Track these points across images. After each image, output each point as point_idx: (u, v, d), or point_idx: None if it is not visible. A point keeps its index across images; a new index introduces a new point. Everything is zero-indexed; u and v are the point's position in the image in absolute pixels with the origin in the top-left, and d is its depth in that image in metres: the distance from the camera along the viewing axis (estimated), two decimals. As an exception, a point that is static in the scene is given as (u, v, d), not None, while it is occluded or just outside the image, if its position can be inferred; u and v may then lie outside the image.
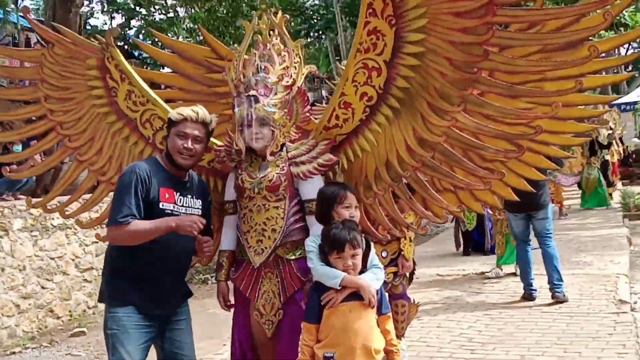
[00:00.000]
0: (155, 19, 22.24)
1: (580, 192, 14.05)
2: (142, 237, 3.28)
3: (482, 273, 8.02)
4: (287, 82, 3.55)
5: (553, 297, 6.39)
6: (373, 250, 3.27)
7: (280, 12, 3.71)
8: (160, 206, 3.38)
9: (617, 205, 13.67)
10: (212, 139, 3.71)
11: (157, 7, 21.07)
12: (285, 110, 3.53)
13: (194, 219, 3.32)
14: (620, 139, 20.17)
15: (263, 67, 3.51)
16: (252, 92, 3.46)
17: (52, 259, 7.81)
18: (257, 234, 3.48)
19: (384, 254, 4.54)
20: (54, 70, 4.08)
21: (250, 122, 3.44)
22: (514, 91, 3.36)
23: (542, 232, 6.56)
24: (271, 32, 3.64)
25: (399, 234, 3.90)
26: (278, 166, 3.50)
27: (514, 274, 7.46)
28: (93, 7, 24.14)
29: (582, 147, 13.57)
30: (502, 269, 7.77)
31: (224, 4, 15.92)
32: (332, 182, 3.50)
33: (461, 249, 9.59)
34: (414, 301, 4.84)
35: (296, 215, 3.51)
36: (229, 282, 3.64)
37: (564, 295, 6.36)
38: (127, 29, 22.93)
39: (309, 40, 23.44)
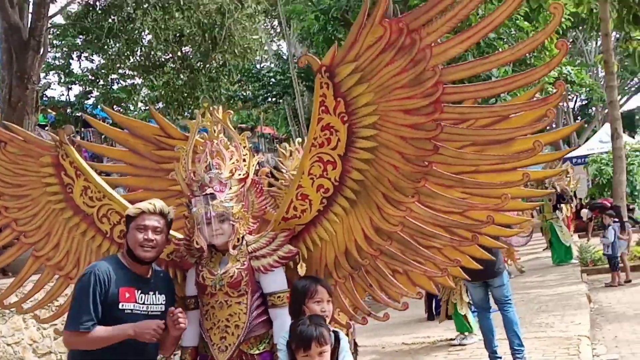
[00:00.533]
0: (113, 88, 22.32)
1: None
2: (100, 344, 3.27)
3: (448, 340, 8.05)
4: (240, 175, 3.63)
5: None
6: (344, 343, 3.29)
7: (221, 109, 3.78)
8: (120, 306, 3.38)
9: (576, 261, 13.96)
10: (171, 232, 3.74)
11: (114, 77, 21.17)
12: (242, 202, 3.60)
13: (152, 326, 3.33)
14: (574, 192, 20.74)
15: (214, 164, 3.58)
16: (209, 190, 3.51)
17: (9, 345, 7.59)
18: (220, 330, 3.49)
19: None
20: (7, 168, 4.10)
21: (209, 219, 3.48)
22: (464, 183, 3.48)
23: (500, 298, 6.61)
24: (215, 128, 3.70)
25: (361, 321, 3.94)
26: (239, 261, 3.54)
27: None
28: (50, 79, 24.12)
29: (541, 206, 13.96)
30: (465, 335, 7.82)
31: (181, 75, 16.09)
32: (306, 276, 3.53)
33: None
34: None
35: (259, 309, 3.54)
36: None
37: None
38: (84, 99, 22.89)
39: (267, 104, 23.78)
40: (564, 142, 37.32)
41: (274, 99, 23.06)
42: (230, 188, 3.57)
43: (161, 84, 16.73)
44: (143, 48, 16.00)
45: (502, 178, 3.48)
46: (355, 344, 4.92)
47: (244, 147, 3.74)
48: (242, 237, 3.59)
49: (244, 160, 3.70)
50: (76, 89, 23.39)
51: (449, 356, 7.32)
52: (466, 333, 7.77)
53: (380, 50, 3.35)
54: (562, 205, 13.86)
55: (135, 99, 19.02)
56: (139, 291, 3.47)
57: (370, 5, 3.38)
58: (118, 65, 17.52)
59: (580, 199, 22.01)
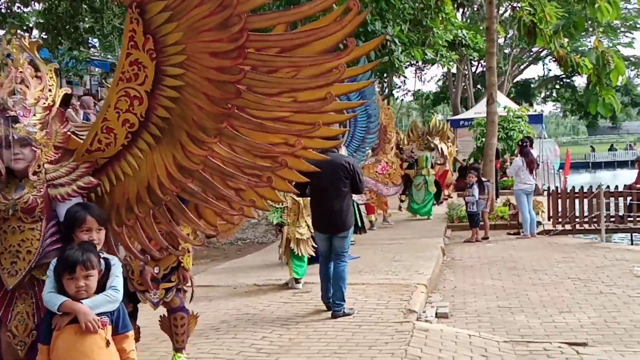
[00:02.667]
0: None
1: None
2: None
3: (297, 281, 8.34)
4: (45, 103, 3.63)
5: (332, 315, 6.59)
6: (115, 271, 3.40)
7: (30, 36, 3.77)
8: None
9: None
10: None
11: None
12: (46, 130, 3.62)
13: None
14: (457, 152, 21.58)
15: (19, 89, 3.56)
16: (12, 113, 3.50)
17: None
18: (11, 255, 3.51)
19: (156, 270, 4.70)
20: None
21: (9, 142, 3.47)
22: (264, 127, 3.64)
23: (337, 250, 6.78)
24: (21, 56, 3.68)
25: (179, 252, 4.10)
26: (35, 187, 3.56)
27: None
28: None
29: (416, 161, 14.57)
30: (298, 281, 8.07)
31: (62, 3, 15.39)
32: (79, 203, 3.57)
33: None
34: (193, 313, 5.04)
35: (53, 236, 3.58)
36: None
37: (344, 313, 6.58)
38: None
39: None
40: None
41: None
42: (35, 115, 3.58)
43: (42, 11, 15.98)
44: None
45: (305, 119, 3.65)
46: (191, 279, 5.07)
47: (50, 78, 3.73)
48: (42, 165, 3.61)
49: (50, 90, 3.69)
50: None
51: (292, 297, 7.61)
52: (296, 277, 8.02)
53: None
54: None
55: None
56: None
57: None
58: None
59: (465, 160, 22.94)
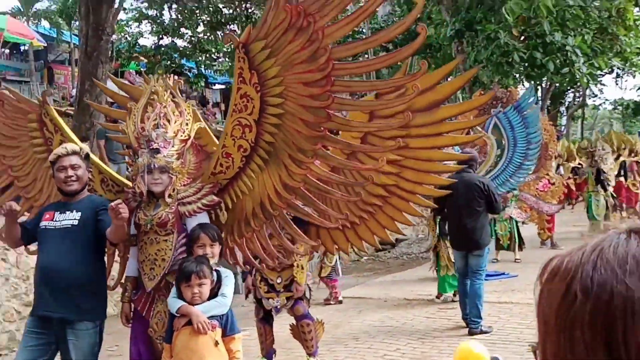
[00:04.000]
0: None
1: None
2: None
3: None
4: (182, 136, 4.31)
5: (469, 332, 6.68)
6: (226, 281, 3.96)
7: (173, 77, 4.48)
8: (40, 225, 4.30)
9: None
10: (124, 180, 4.51)
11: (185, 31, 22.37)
12: (181, 160, 4.29)
13: None
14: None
15: (162, 124, 4.27)
16: (154, 145, 4.21)
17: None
18: (150, 262, 4.22)
19: (278, 280, 5.21)
20: (4, 123, 4.96)
21: (151, 169, 4.19)
22: (351, 148, 4.04)
23: (473, 267, 6.90)
24: (166, 92, 4.38)
25: (287, 261, 4.63)
26: (169, 205, 4.24)
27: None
28: (142, 29, 25.78)
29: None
30: (447, 295, 8.22)
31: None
32: (199, 224, 4.18)
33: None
34: (319, 320, 5.49)
35: (183, 247, 4.24)
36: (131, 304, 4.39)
37: (481, 331, 6.63)
38: (172, 50, 24.22)
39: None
40: None
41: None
42: (173, 146, 4.27)
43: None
44: (210, 6, 16.90)
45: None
46: (310, 289, 5.56)
47: (188, 113, 4.41)
48: (176, 188, 4.28)
49: (187, 124, 4.38)
50: (166, 40, 24.67)
51: (437, 312, 7.78)
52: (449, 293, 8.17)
53: (284, 30, 3.92)
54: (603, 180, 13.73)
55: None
56: (58, 212, 4.31)
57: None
58: (189, 20, 18.58)
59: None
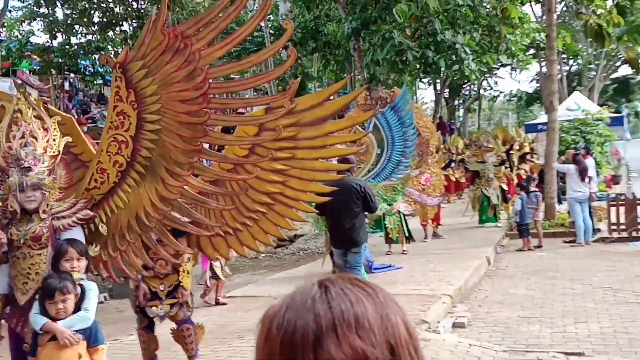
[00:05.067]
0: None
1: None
2: None
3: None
4: (52, 152, 4.39)
5: None
6: (89, 294, 4.12)
7: (36, 95, 4.56)
8: None
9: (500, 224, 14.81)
10: None
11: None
12: (53, 175, 4.39)
13: None
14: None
15: (29, 142, 4.34)
16: (25, 164, 4.28)
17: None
18: (23, 277, 4.30)
19: (162, 287, 5.38)
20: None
21: (23, 188, 4.26)
22: (225, 159, 4.30)
23: (351, 263, 7.35)
24: (29, 110, 4.44)
25: (162, 270, 4.82)
26: (42, 220, 4.33)
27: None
28: (33, 27, 24.90)
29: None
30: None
31: (137, 33, 16.67)
32: (65, 239, 4.30)
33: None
34: (198, 324, 5.69)
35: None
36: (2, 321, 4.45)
37: None
38: (68, 47, 23.55)
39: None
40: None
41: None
42: (43, 162, 4.35)
43: (119, 42, 17.41)
44: (102, 3, 16.69)
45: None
46: (191, 296, 5.74)
47: (55, 129, 4.49)
48: (49, 203, 4.37)
49: (54, 140, 4.45)
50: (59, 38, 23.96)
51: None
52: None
53: (162, 52, 4.12)
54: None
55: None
56: None
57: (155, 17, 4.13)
58: (82, 19, 18.29)
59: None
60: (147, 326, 5.54)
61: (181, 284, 5.46)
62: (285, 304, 0.97)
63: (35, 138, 4.37)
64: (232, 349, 6.61)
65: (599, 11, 15.45)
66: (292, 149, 4.49)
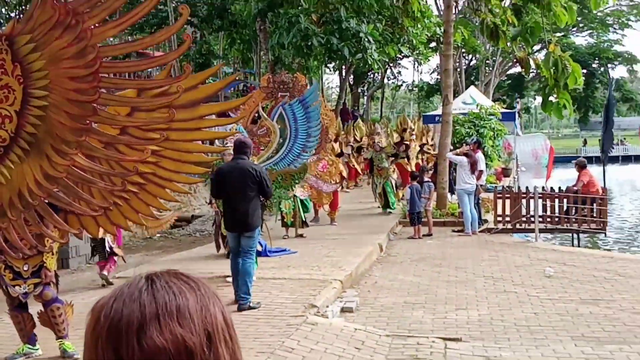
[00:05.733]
0: None
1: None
2: None
3: (227, 276, 8.86)
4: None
5: (238, 308, 7.07)
6: None
7: None
8: None
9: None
10: None
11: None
12: None
13: None
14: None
15: None
16: None
17: None
18: None
19: (25, 267, 5.23)
20: None
21: None
22: (115, 140, 4.21)
23: (245, 247, 7.31)
24: None
25: (44, 248, 4.69)
26: None
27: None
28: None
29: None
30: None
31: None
32: None
33: (222, 250, 10.28)
34: (68, 302, 5.60)
35: None
36: None
37: (249, 307, 7.08)
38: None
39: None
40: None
41: (151, 30, 23.09)
42: None
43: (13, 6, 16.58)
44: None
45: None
46: (57, 275, 5.61)
47: None
48: None
49: None
50: None
51: (216, 289, 8.11)
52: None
53: (51, 27, 3.99)
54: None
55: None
56: None
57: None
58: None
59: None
60: (18, 306, 5.39)
61: (45, 264, 5.33)
62: (114, 295, 1.04)
63: None
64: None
65: (495, 10, 16.10)
66: (165, 129, 4.43)
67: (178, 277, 1.08)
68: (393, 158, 15.63)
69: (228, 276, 8.44)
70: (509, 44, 16.04)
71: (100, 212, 4.40)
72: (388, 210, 15.20)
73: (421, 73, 51.38)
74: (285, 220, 11.84)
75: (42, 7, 3.94)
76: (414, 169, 15.90)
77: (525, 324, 6.87)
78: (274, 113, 10.19)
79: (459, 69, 40.79)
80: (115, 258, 8.84)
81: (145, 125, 4.21)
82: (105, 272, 8.59)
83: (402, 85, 49.86)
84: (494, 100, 28.71)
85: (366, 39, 20.19)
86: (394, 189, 15.61)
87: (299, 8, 19.16)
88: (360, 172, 21.24)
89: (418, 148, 18.45)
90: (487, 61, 40.00)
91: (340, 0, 19.27)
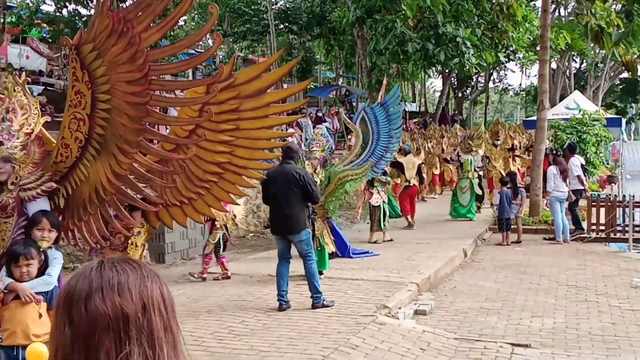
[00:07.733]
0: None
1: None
2: None
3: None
4: (27, 129, 4.69)
5: (312, 306, 7.29)
6: (54, 262, 4.40)
7: (24, 75, 4.80)
8: None
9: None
10: None
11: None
12: (25, 151, 4.67)
13: None
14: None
15: (8, 117, 4.63)
16: None
17: None
18: (-9, 241, 4.60)
19: None
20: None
21: None
22: (167, 139, 4.60)
23: (301, 252, 7.50)
24: (16, 88, 4.75)
25: (116, 241, 5.14)
26: (10, 191, 4.61)
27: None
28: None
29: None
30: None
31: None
32: (41, 210, 4.60)
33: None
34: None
35: (22, 229, 4.64)
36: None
37: (323, 305, 7.25)
38: (76, 17, 23.73)
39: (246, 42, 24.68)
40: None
41: (254, 37, 23.87)
42: (18, 138, 4.66)
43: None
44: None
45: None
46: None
47: (36, 108, 4.79)
48: (19, 176, 4.65)
49: (34, 118, 4.78)
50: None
51: (293, 288, 8.35)
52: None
53: (108, 35, 4.38)
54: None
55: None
56: None
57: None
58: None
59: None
60: None
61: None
62: (75, 274, 1.33)
63: (15, 115, 4.64)
64: (199, 321, 6.84)
65: (598, 13, 15.51)
66: (235, 120, 4.82)
67: (125, 261, 1.35)
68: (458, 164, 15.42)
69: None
70: (611, 47, 15.39)
71: (157, 208, 4.78)
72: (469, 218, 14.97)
73: (529, 77, 49.90)
74: (373, 226, 11.99)
75: (100, 16, 4.32)
76: (503, 174, 15.59)
77: (600, 334, 6.64)
78: (356, 118, 10.31)
79: (567, 73, 39.42)
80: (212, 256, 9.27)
81: (216, 120, 4.56)
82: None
83: (507, 89, 48.55)
84: (605, 106, 27.49)
85: (463, 44, 19.96)
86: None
87: (397, 14, 19.18)
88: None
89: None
90: (599, 65, 38.28)
91: (438, 4, 19.15)
